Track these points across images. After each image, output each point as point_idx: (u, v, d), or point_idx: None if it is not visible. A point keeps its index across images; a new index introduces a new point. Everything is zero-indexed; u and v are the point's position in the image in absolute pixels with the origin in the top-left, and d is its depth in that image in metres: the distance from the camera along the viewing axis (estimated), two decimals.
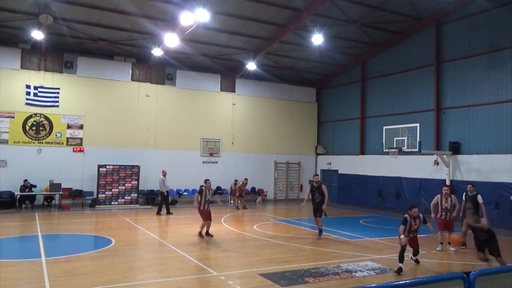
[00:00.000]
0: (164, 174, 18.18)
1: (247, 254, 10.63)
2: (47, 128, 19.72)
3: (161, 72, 22.58)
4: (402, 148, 17.36)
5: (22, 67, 19.46)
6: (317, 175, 13.74)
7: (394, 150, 17.70)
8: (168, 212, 17.73)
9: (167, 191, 18.07)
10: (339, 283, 7.86)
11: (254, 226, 14.91)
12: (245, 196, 21.48)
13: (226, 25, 19.15)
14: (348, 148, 24.49)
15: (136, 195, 20.65)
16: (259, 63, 22.36)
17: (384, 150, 18.54)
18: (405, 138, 17.57)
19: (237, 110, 24.53)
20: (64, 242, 12.20)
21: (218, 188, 23.36)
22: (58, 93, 19.99)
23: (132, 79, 21.84)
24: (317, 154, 26.69)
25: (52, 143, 19.78)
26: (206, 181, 12.68)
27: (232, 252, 10.83)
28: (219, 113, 24.06)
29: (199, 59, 22.39)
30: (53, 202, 19.22)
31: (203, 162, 23.25)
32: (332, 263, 9.42)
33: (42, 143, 19.58)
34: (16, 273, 8.33)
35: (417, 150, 17.00)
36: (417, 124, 17.11)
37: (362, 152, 23.45)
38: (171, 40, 18.10)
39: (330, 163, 25.51)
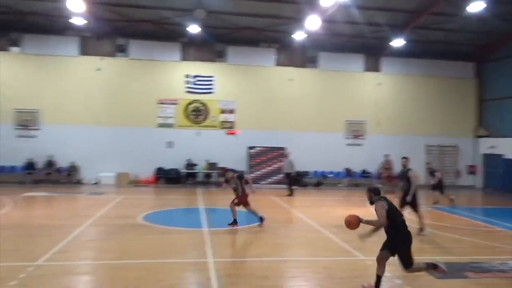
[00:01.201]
0: (288, 155, 18.54)
1: None
2: (204, 113, 21.89)
3: (303, 56, 22.84)
4: None
5: (182, 59, 21.88)
6: (405, 158, 11.30)
7: None
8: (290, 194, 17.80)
9: (288, 173, 18.24)
10: (506, 282, 6.99)
11: (404, 212, 14.17)
12: (393, 181, 20.51)
13: (368, 1, 18.25)
14: None
15: (283, 175, 21.53)
16: (406, 38, 20.78)
17: None
18: None
19: (383, 90, 23.40)
20: (222, 215, 13.45)
21: (363, 171, 22.83)
22: (212, 80, 21.96)
23: (277, 64, 22.65)
24: (478, 136, 23.84)
25: (209, 126, 21.91)
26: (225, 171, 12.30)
27: (380, 238, 10.51)
28: (364, 94, 23.31)
29: (341, 39, 21.92)
30: (211, 179, 21.42)
31: (347, 144, 22.95)
32: (497, 258, 8.41)
33: (201, 126, 21.85)
34: (184, 240, 9.56)
35: None
36: None
37: None
38: (312, 23, 18.08)
39: (493, 147, 22.55)
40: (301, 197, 17.73)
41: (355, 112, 23.09)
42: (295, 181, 18.65)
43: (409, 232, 6.21)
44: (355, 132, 23.03)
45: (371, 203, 6.33)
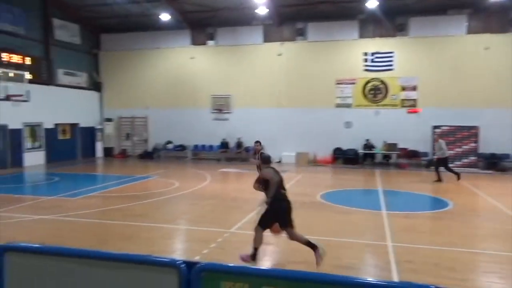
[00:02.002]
0: (438, 139, 15.97)
1: None
2: (383, 91, 20.99)
3: (503, 19, 19.46)
4: None
5: (360, 36, 21.30)
6: None
7: None
8: (438, 179, 15.22)
9: (443, 157, 15.45)
10: None
11: None
12: None
13: None
14: None
15: (475, 158, 19.18)
16: None
17: None
18: None
19: None
20: (402, 198, 12.87)
21: None
22: (392, 56, 20.80)
23: (468, 32, 19.95)
24: None
25: (388, 105, 20.93)
26: (255, 143, 10.31)
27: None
28: None
29: None
30: (390, 160, 20.58)
31: None
32: None
33: (379, 105, 21.06)
34: (362, 221, 9.50)
35: None
36: None
37: None
38: None
39: None
40: (499, 184, 15.45)
41: None
42: (441, 165, 15.71)
43: (283, 204, 6.44)
44: None
45: (260, 169, 7.01)
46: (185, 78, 23.69)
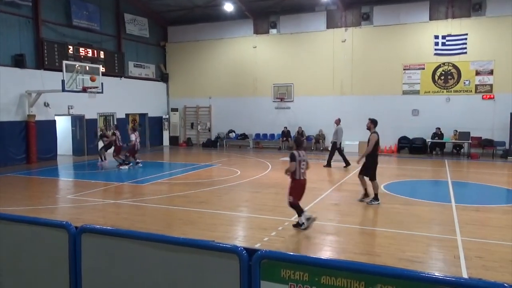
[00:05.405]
0: (338, 122, 15.96)
1: None
2: (455, 76, 19.73)
3: None
4: None
5: (430, 18, 20.10)
6: (370, 119, 10.21)
7: None
8: (328, 165, 15.89)
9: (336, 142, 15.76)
10: None
11: None
12: None
13: None
14: None
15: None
16: None
17: None
18: None
19: None
20: (472, 191, 12.13)
21: None
22: (465, 39, 19.44)
23: None
24: None
25: (460, 91, 19.67)
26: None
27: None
28: None
29: None
30: (461, 150, 19.39)
31: None
32: None
33: (450, 91, 19.85)
34: (428, 213, 9.09)
35: None
36: None
37: None
38: None
39: None
40: None
41: None
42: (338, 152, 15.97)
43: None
44: None
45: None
46: (247, 68, 23.92)
